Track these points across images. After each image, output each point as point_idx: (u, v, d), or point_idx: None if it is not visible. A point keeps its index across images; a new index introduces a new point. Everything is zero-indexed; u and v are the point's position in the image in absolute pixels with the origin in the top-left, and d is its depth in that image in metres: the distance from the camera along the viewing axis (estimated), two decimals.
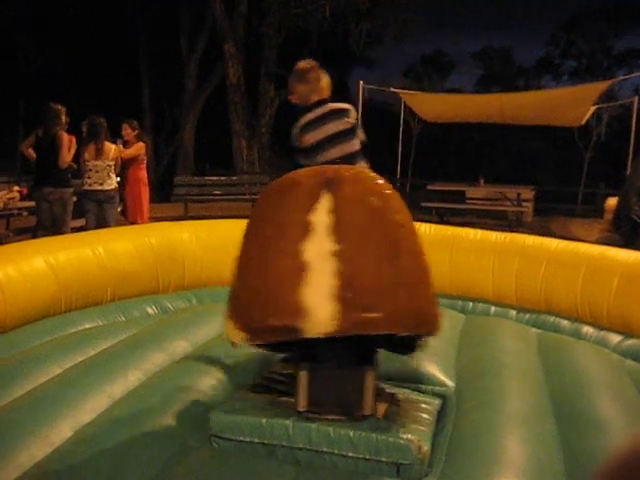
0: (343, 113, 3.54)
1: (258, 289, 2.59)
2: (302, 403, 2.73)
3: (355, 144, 3.53)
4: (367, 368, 2.74)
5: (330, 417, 2.71)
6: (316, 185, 2.66)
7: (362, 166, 3.40)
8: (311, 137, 3.42)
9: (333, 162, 3.32)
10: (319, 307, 2.46)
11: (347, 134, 3.50)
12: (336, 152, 3.41)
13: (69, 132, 7.39)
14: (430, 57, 34.93)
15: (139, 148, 8.31)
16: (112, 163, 7.69)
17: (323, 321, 2.45)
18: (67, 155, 7.17)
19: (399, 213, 2.70)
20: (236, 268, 2.70)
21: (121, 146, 8.01)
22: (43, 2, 18.52)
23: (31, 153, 7.35)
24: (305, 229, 2.56)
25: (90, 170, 7.56)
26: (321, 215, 2.58)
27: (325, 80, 3.63)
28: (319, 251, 2.52)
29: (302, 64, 3.67)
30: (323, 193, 2.62)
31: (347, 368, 2.78)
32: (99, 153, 7.58)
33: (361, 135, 3.59)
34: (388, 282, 2.55)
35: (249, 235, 2.74)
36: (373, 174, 2.83)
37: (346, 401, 2.75)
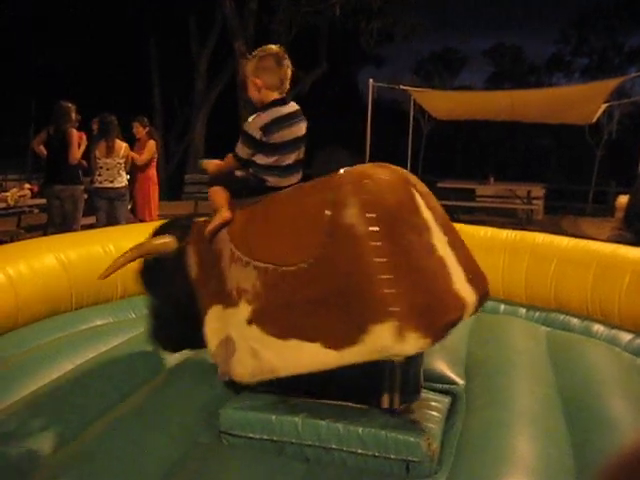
0: (302, 115, 3.25)
1: (424, 291, 2.53)
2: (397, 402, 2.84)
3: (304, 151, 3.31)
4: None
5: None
6: (402, 183, 2.79)
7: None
8: (281, 136, 3.10)
9: (292, 166, 3.18)
10: (467, 294, 2.65)
11: (304, 139, 3.27)
12: (295, 156, 3.19)
13: (80, 129, 7.42)
14: (440, 55, 34.84)
15: (151, 150, 8.32)
16: (122, 161, 7.71)
17: (472, 305, 2.67)
18: (77, 152, 7.20)
19: None
20: (353, 280, 2.53)
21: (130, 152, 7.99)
22: (56, 2, 18.58)
23: (42, 150, 7.40)
24: (425, 227, 2.70)
25: (101, 168, 7.59)
26: (425, 211, 2.74)
27: (291, 70, 3.28)
28: (441, 244, 2.70)
29: (276, 47, 3.28)
30: (413, 191, 2.77)
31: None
32: (110, 151, 7.61)
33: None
34: (476, 262, 2.92)
35: (350, 241, 2.59)
36: None
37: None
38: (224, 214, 3.04)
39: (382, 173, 2.79)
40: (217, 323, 2.93)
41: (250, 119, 3.11)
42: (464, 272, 2.69)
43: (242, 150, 3.12)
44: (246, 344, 2.76)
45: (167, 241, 3.20)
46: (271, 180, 3.14)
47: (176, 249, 3.18)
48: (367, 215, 2.57)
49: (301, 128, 3.21)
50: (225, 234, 3.01)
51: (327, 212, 2.63)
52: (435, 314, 2.48)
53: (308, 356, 2.59)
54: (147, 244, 3.26)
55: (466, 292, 2.63)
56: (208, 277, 3.03)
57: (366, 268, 2.50)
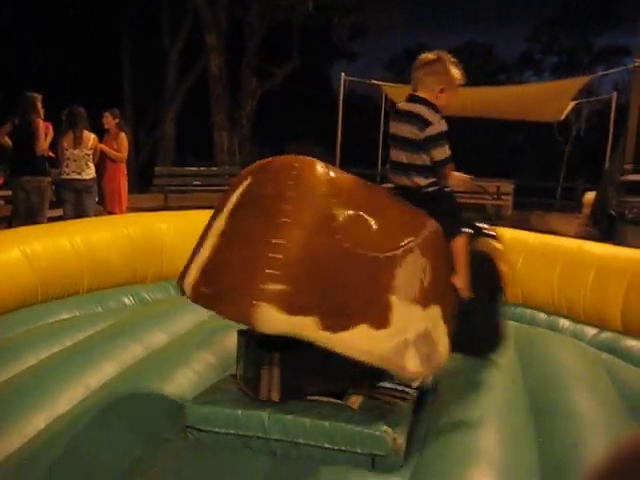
0: (421, 123, 3.16)
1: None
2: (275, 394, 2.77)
3: (418, 158, 3.21)
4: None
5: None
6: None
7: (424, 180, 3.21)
8: (391, 127, 3.22)
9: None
10: (190, 274, 2.80)
11: (413, 144, 3.20)
12: (405, 156, 3.18)
13: (47, 120, 7.32)
14: (413, 50, 34.92)
15: (126, 144, 8.23)
16: (90, 152, 7.61)
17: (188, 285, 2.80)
18: (43, 142, 7.10)
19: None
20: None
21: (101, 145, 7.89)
22: None
23: (7, 141, 7.27)
24: (219, 208, 2.91)
25: (68, 159, 7.48)
26: (234, 197, 2.88)
27: (436, 78, 3.28)
28: (217, 229, 2.85)
29: (430, 56, 3.31)
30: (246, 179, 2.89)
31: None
32: (78, 142, 7.51)
33: (434, 154, 3.23)
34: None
35: None
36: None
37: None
38: None
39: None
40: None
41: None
42: (203, 260, 2.73)
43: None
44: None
45: None
46: None
47: None
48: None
49: None
50: None
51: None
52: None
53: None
54: None
55: (191, 272, 2.75)
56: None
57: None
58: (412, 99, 3.20)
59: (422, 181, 3.13)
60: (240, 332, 3.01)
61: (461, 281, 3.12)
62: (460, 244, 3.16)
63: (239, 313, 2.48)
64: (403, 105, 3.22)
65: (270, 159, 2.94)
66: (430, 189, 3.14)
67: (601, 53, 31.83)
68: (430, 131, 3.07)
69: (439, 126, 3.10)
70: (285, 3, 17.77)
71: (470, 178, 3.39)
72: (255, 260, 2.52)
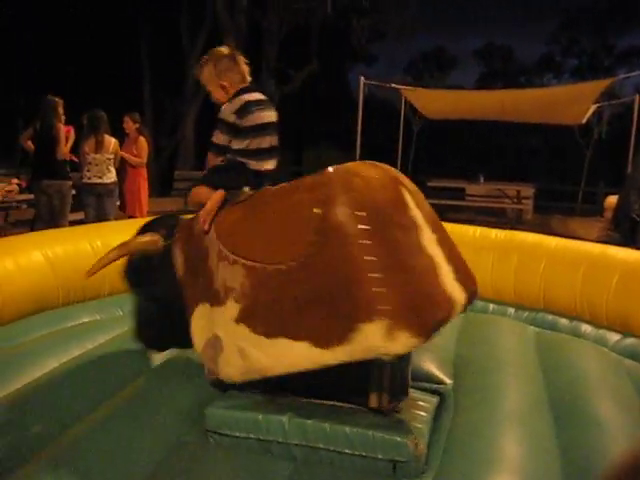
0: (271, 104, 3.32)
1: (414, 290, 2.50)
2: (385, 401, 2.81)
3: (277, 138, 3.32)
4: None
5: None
6: (391, 181, 2.80)
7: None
8: (254, 118, 3.15)
9: (267, 150, 3.22)
10: (456, 292, 2.64)
11: (276, 126, 3.30)
12: (269, 141, 3.23)
13: (68, 124, 7.38)
14: (431, 54, 34.88)
15: (145, 149, 8.28)
16: (112, 156, 7.67)
17: (460, 304, 2.65)
18: (64, 146, 7.16)
19: None
20: (340, 278, 2.50)
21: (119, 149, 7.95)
22: None
23: (30, 145, 7.35)
24: (413, 226, 2.69)
25: (90, 163, 7.54)
26: (414, 210, 2.73)
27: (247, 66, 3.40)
28: (430, 243, 2.69)
29: (225, 48, 3.43)
30: (402, 189, 2.77)
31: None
32: (99, 146, 7.56)
33: None
34: (464, 262, 2.89)
35: (341, 239, 2.56)
36: None
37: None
38: (217, 196, 3.05)
39: (371, 171, 2.77)
40: (204, 322, 2.90)
41: (223, 107, 3.21)
42: (453, 271, 2.68)
43: (219, 137, 3.19)
44: (234, 343, 2.73)
45: (153, 239, 3.17)
46: (251, 163, 3.16)
47: (162, 247, 3.15)
48: (357, 213, 2.54)
49: (271, 114, 3.28)
50: (212, 232, 2.98)
51: (316, 210, 2.59)
52: (425, 313, 2.46)
53: (297, 355, 2.55)
54: (133, 242, 3.22)
55: (455, 291, 2.62)
56: (195, 275, 3.00)
57: (355, 267, 2.47)
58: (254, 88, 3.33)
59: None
60: None
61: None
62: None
63: None
64: (258, 96, 3.29)
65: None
66: None
67: (622, 55, 31.58)
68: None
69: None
70: (304, 6, 17.80)
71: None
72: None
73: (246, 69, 3.35)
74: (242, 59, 3.37)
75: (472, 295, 2.79)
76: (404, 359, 2.87)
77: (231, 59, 3.32)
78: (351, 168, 2.78)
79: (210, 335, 2.86)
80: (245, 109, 3.15)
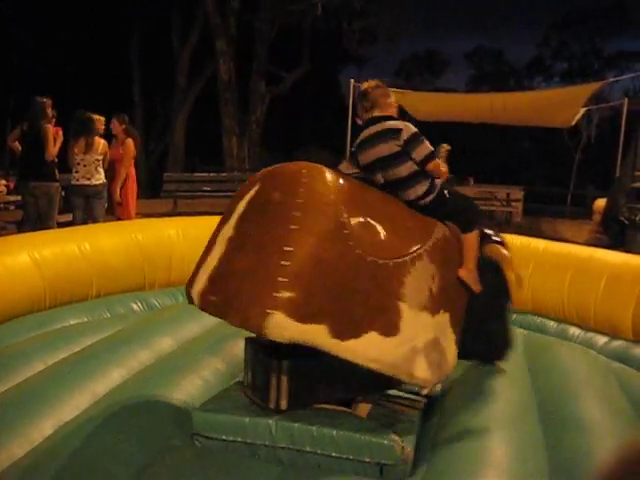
0: (395, 133, 3.13)
1: None
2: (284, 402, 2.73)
3: (405, 169, 3.12)
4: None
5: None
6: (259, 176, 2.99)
7: (420, 188, 3.13)
8: (364, 157, 3.18)
9: (383, 186, 3.17)
10: (199, 280, 2.85)
11: (396, 157, 3.12)
12: (386, 176, 3.14)
13: (57, 125, 7.34)
14: (422, 56, 34.95)
15: (131, 150, 8.23)
16: (100, 158, 7.63)
17: (196, 295, 2.84)
18: (53, 148, 7.11)
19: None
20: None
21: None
22: None
23: (17, 146, 7.30)
24: (227, 215, 2.93)
25: (78, 164, 7.50)
26: (241, 205, 2.89)
27: (391, 98, 3.36)
28: (224, 235, 2.90)
29: (366, 84, 3.40)
30: (255, 183, 2.92)
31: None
32: (88, 147, 7.53)
33: (418, 152, 3.14)
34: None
35: None
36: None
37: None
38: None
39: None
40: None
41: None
42: (213, 267, 2.75)
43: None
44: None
45: None
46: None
47: None
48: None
49: (389, 147, 3.14)
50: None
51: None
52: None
53: None
54: None
55: (199, 279, 2.78)
56: None
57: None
58: (374, 121, 3.23)
59: (418, 190, 3.13)
60: (248, 339, 3.00)
61: (470, 275, 3.11)
62: (471, 239, 3.19)
63: (249, 321, 2.47)
64: (368, 132, 3.22)
65: (278, 166, 2.94)
66: (428, 199, 3.14)
67: (611, 59, 31.75)
68: (405, 135, 3.12)
69: (410, 129, 3.17)
70: (295, 8, 17.79)
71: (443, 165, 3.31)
72: (265, 268, 2.51)
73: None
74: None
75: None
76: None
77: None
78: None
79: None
80: (358, 148, 3.26)
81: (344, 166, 3.29)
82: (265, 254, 2.55)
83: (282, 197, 2.68)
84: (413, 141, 3.12)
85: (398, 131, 3.12)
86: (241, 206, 2.81)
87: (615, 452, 0.91)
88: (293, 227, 2.54)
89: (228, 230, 2.78)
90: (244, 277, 2.57)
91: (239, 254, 2.67)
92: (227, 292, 2.61)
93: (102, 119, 7.42)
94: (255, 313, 2.43)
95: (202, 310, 2.73)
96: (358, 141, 3.23)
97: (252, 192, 2.81)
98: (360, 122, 3.31)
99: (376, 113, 3.23)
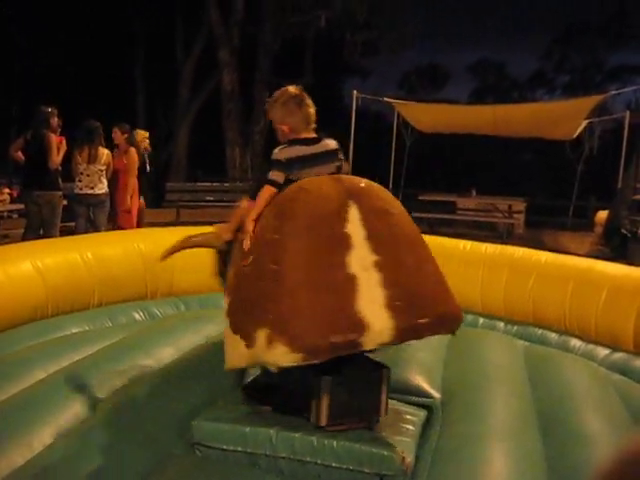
0: (334, 155, 3.05)
1: (311, 307, 2.48)
2: (324, 418, 2.68)
3: None
4: (383, 370, 2.81)
5: (352, 426, 2.73)
6: (341, 195, 2.70)
7: None
8: (302, 175, 2.92)
9: None
10: (375, 318, 2.45)
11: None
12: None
13: (61, 135, 7.38)
14: (425, 68, 35.07)
15: (134, 159, 8.25)
16: (104, 168, 7.67)
17: (381, 332, 2.45)
18: (56, 157, 7.15)
19: (411, 222, 2.88)
20: (265, 285, 2.57)
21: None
22: (40, 6, 18.51)
23: (19, 156, 7.33)
24: (344, 241, 2.57)
25: (82, 174, 7.54)
26: (355, 226, 2.61)
27: (313, 109, 3.11)
28: (362, 263, 2.54)
29: (295, 88, 3.12)
30: (350, 203, 2.66)
31: (364, 374, 2.81)
32: (93, 158, 7.56)
33: (345, 168, 3.10)
34: (430, 287, 2.66)
35: (276, 249, 2.63)
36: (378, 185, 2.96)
37: (365, 407, 2.79)
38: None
39: (323, 185, 2.79)
40: None
41: (276, 150, 3.02)
42: (388, 296, 2.50)
43: (278, 176, 2.93)
44: None
45: (216, 233, 3.19)
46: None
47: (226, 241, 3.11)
48: (274, 223, 2.71)
49: (329, 168, 3.01)
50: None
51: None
52: (317, 332, 2.43)
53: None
54: (196, 236, 3.38)
55: (375, 317, 2.45)
56: None
57: (264, 274, 2.60)
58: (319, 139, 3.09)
59: None
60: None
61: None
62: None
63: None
64: (313, 149, 3.03)
65: (355, 180, 2.91)
66: None
67: (613, 72, 31.84)
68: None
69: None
70: (298, 20, 17.89)
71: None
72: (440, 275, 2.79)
73: (311, 114, 3.08)
74: (309, 102, 3.10)
75: (422, 325, 2.57)
76: (367, 380, 2.81)
77: (296, 102, 3.06)
78: (301, 182, 2.84)
79: None
80: (295, 163, 2.96)
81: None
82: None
83: (398, 208, 2.80)
84: (342, 159, 3.16)
85: (336, 151, 3.09)
86: (354, 229, 2.62)
87: (613, 454, 0.92)
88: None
89: (362, 257, 2.56)
90: (435, 285, 2.66)
91: (412, 271, 2.64)
92: (425, 310, 2.57)
93: (145, 134, 7.41)
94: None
95: (414, 338, 2.63)
96: (295, 156, 2.97)
97: (354, 212, 2.66)
98: (285, 133, 3.08)
99: (309, 131, 3.07)
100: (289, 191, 2.80)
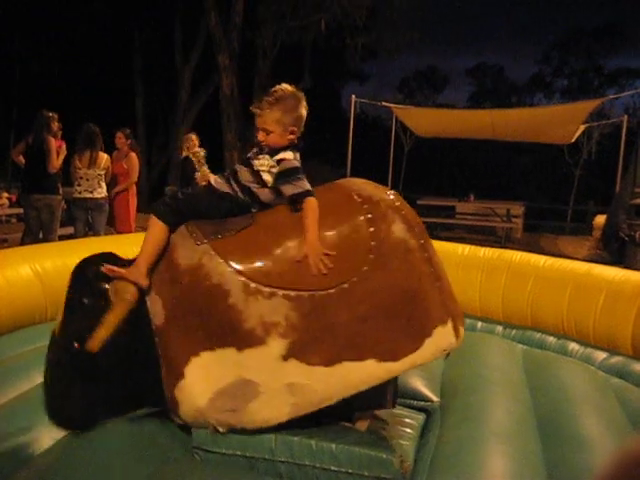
0: None
1: (451, 295, 2.90)
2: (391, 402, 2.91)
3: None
4: None
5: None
6: None
7: None
8: (290, 189, 2.75)
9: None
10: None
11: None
12: None
13: (62, 139, 7.39)
14: (424, 72, 35.16)
15: (135, 164, 8.28)
16: (103, 172, 7.69)
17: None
18: (56, 161, 7.16)
19: None
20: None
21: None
22: (40, 11, 18.54)
23: (21, 160, 7.36)
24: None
25: (81, 178, 7.55)
26: None
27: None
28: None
29: (293, 87, 2.96)
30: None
31: None
32: (92, 162, 7.58)
33: None
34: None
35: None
36: None
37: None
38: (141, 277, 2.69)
39: (386, 189, 2.94)
40: (215, 370, 2.64)
41: (290, 155, 2.83)
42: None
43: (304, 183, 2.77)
44: (281, 382, 2.60)
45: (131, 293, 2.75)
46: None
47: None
48: (415, 230, 2.75)
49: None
50: (222, 267, 2.65)
51: (371, 229, 2.68)
52: (459, 311, 2.89)
53: (363, 374, 2.59)
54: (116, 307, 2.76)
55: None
56: (187, 322, 2.68)
57: (423, 278, 2.70)
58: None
59: None
60: None
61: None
62: None
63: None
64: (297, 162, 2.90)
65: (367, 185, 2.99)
66: None
67: (611, 76, 31.93)
68: None
69: None
70: (297, 24, 17.93)
71: None
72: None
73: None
74: (304, 103, 2.96)
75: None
76: None
77: (296, 99, 2.92)
78: (373, 186, 2.91)
79: (230, 382, 2.64)
80: (289, 175, 2.79)
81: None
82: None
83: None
84: None
85: None
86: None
87: (613, 456, 0.93)
88: None
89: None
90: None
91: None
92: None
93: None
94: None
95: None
96: (290, 167, 2.82)
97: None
98: (274, 142, 2.87)
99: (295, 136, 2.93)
100: (376, 195, 2.83)
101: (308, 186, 2.76)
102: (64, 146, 7.42)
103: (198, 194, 2.90)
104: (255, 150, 2.94)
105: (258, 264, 2.64)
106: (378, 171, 15.42)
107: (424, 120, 14.80)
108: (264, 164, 2.84)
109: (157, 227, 2.74)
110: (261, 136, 2.88)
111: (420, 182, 21.98)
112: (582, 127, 13.67)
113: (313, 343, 2.58)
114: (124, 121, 9.43)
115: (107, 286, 2.74)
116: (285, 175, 2.78)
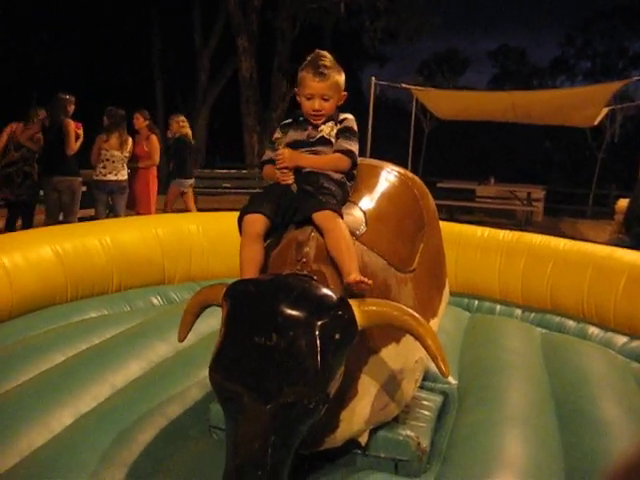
0: None
1: None
2: None
3: None
4: None
5: None
6: None
7: None
8: (345, 143, 2.77)
9: None
10: None
11: None
12: None
13: (79, 121, 7.43)
14: (444, 55, 34.80)
15: (156, 146, 8.30)
16: (129, 155, 7.74)
17: None
18: (74, 143, 7.20)
19: None
20: None
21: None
22: None
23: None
24: None
25: (107, 160, 7.57)
26: None
27: None
28: None
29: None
30: None
31: None
32: (122, 145, 7.62)
33: None
34: None
35: None
36: None
37: None
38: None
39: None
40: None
41: (351, 116, 2.86)
42: None
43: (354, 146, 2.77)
44: (413, 360, 2.65)
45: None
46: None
47: None
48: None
49: None
50: (380, 260, 2.55)
51: (420, 202, 3.12)
52: None
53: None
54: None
55: None
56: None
57: (442, 241, 3.37)
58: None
59: None
60: None
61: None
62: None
63: None
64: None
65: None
66: None
67: (636, 58, 31.42)
68: None
69: None
70: (317, 6, 17.80)
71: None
72: None
73: None
74: None
75: None
76: None
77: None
78: (400, 169, 3.28)
79: (384, 380, 2.50)
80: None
81: None
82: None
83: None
84: None
85: None
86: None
87: (623, 454, 0.92)
88: None
89: None
90: None
91: None
92: None
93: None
94: None
95: None
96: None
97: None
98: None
99: None
100: (405, 176, 3.24)
101: (356, 149, 2.77)
102: (82, 128, 7.44)
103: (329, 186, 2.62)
104: (295, 126, 2.93)
105: (393, 251, 2.67)
106: (398, 154, 15.34)
107: (444, 102, 14.66)
108: (334, 129, 2.82)
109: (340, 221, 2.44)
110: (318, 104, 2.82)
111: (440, 165, 21.83)
112: (605, 110, 13.47)
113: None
114: (143, 104, 9.43)
115: None
116: (346, 131, 2.79)
